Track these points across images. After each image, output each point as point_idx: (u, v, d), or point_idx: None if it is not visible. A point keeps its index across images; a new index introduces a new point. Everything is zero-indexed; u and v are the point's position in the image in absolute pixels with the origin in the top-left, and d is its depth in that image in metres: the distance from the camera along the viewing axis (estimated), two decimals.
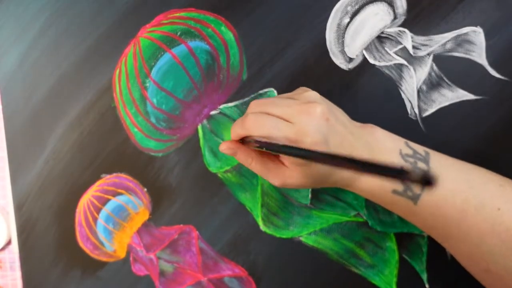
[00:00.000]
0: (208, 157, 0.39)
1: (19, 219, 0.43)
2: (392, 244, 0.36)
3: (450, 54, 0.34)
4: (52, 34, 0.40)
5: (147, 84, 0.38)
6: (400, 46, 0.34)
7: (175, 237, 0.40)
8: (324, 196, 0.37)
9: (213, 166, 0.39)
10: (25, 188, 0.43)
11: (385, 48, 0.35)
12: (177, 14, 0.38)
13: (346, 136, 0.27)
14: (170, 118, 0.39)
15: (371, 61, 0.35)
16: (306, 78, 0.36)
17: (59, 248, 0.43)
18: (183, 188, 0.39)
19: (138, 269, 0.42)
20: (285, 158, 0.29)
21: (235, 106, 0.38)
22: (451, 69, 0.34)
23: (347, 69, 0.35)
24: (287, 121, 0.27)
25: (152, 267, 0.41)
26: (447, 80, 0.34)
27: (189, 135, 0.39)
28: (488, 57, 0.33)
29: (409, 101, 0.35)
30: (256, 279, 0.39)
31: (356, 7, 0.35)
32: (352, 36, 0.35)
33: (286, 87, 0.36)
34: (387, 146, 0.28)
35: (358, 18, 0.35)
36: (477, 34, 0.33)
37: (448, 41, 0.33)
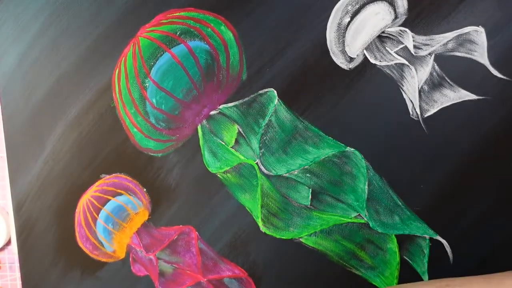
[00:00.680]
0: (207, 157, 0.38)
1: (18, 219, 0.43)
2: (393, 246, 0.36)
3: (451, 53, 0.33)
4: (51, 34, 0.40)
5: (147, 84, 0.38)
6: (401, 46, 0.34)
7: (174, 237, 0.40)
8: (325, 197, 0.37)
9: (213, 166, 0.38)
10: (24, 188, 0.43)
11: (386, 48, 0.35)
12: (177, 14, 0.38)
13: None
14: (169, 118, 0.38)
15: (372, 60, 0.35)
16: (306, 78, 0.36)
17: (58, 248, 0.43)
18: (183, 189, 0.39)
19: (138, 270, 0.41)
20: None
21: (234, 106, 0.37)
22: (452, 69, 0.33)
23: (347, 69, 0.35)
24: None
25: (152, 267, 0.41)
26: (448, 80, 0.34)
27: (189, 135, 0.39)
28: (490, 57, 0.32)
29: (411, 101, 0.34)
30: (256, 280, 0.39)
31: (357, 6, 0.34)
32: (353, 36, 0.35)
33: (286, 87, 0.36)
34: None
35: (359, 17, 0.35)
36: (478, 34, 0.33)
37: (450, 40, 0.33)
